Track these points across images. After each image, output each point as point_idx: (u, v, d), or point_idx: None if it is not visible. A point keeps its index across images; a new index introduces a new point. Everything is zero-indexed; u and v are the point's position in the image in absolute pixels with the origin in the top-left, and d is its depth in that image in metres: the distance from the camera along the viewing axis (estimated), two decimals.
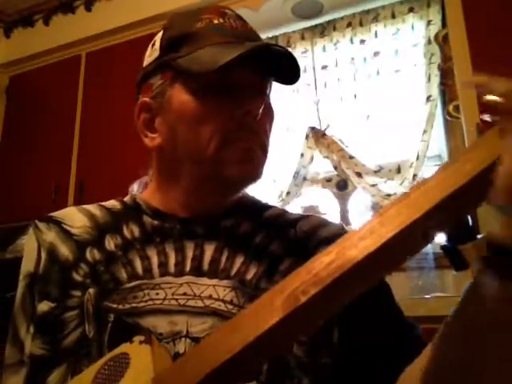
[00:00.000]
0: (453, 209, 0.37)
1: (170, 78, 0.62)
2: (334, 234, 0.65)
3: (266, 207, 0.71)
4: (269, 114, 0.65)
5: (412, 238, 0.37)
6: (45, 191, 2.39)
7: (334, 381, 0.59)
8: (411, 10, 2.17)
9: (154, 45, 0.66)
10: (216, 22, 0.62)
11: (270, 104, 0.66)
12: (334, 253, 0.37)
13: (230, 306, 0.57)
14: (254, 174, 0.63)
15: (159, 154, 0.67)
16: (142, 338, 0.45)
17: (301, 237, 0.66)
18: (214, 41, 0.60)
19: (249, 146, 0.61)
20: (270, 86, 0.66)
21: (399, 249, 0.37)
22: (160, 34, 0.66)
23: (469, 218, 0.40)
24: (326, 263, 0.36)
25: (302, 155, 2.18)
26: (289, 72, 0.63)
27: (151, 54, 0.66)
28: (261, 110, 0.61)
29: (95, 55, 2.59)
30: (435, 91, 2.03)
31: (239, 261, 0.61)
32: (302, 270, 0.37)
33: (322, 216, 0.75)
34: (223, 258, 0.62)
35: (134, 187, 0.74)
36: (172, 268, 0.61)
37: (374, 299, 0.55)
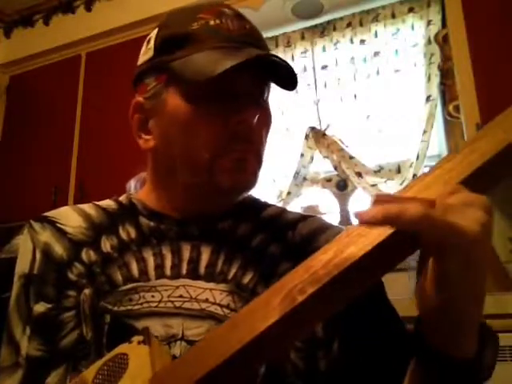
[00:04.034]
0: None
1: (165, 80, 0.61)
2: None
3: (265, 206, 0.70)
4: (265, 120, 0.63)
5: (413, 234, 0.36)
6: (45, 191, 2.39)
7: None
8: (411, 10, 2.17)
9: (148, 43, 0.64)
10: (212, 23, 0.60)
11: (267, 108, 0.64)
12: (333, 251, 0.36)
13: (227, 311, 0.56)
14: (247, 184, 0.62)
15: (154, 155, 0.65)
16: (140, 338, 0.45)
17: (300, 240, 0.65)
18: (209, 45, 0.58)
19: (243, 156, 0.59)
20: (268, 91, 0.64)
21: (400, 245, 0.36)
22: (155, 32, 0.64)
23: None
24: (324, 261, 0.36)
25: (302, 155, 2.18)
26: (286, 77, 0.61)
27: (146, 53, 0.64)
28: (256, 118, 0.59)
29: (95, 55, 2.58)
30: (435, 91, 2.02)
31: (236, 264, 0.60)
32: (301, 268, 0.37)
33: (323, 217, 0.73)
34: (220, 262, 0.61)
35: (131, 184, 0.73)
36: (168, 270, 0.60)
37: (370, 300, 0.54)
